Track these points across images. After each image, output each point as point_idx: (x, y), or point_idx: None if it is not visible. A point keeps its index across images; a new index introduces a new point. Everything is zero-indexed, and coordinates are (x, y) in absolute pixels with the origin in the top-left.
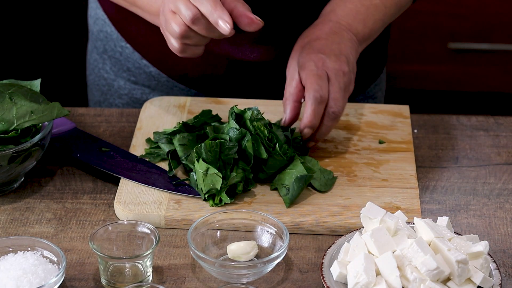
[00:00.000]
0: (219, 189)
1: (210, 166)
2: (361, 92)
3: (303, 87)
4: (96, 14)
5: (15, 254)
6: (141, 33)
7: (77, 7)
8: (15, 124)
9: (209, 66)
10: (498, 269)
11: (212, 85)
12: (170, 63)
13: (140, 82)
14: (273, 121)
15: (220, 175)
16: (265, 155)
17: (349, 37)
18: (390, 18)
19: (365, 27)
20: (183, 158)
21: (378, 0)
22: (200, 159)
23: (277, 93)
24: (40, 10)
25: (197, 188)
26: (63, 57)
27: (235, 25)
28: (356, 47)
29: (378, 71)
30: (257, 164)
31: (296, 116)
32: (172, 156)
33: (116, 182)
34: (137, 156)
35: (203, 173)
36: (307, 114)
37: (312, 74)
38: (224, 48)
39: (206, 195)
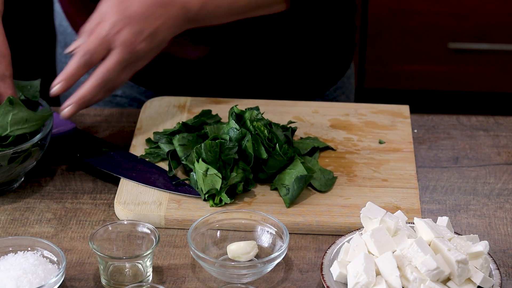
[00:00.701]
0: (219, 189)
1: (210, 167)
2: (318, 95)
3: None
4: (56, 7)
5: (15, 254)
6: None
7: None
8: (8, 131)
9: (154, 63)
10: (498, 269)
11: (158, 82)
12: None
13: None
14: (273, 121)
15: (220, 175)
16: (265, 155)
17: (176, 14)
18: (241, 9)
19: (203, 9)
20: (183, 158)
21: None
22: (200, 159)
23: (221, 90)
24: (40, 10)
25: (197, 188)
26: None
27: None
28: (180, 25)
29: (338, 75)
30: (257, 164)
31: None
32: (172, 156)
33: (116, 182)
34: (137, 156)
35: (203, 173)
36: (66, 67)
37: (98, 36)
38: (167, 47)
39: (206, 195)
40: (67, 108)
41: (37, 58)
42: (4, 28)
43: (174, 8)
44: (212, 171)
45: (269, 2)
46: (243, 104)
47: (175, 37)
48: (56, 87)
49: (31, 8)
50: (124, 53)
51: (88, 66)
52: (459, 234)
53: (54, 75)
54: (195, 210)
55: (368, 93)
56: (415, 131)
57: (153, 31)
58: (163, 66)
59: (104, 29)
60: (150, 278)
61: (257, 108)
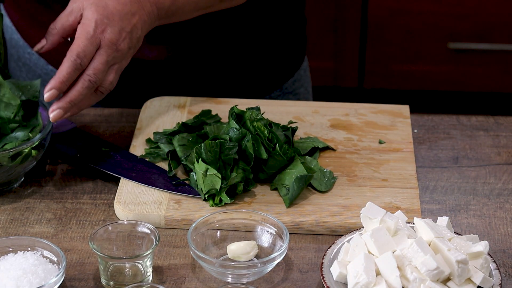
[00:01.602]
0: (218, 189)
1: (209, 167)
2: (277, 87)
3: (75, 30)
4: (5, 21)
5: (15, 254)
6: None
7: None
8: None
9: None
10: (498, 269)
11: (129, 87)
12: None
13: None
14: (273, 121)
15: (220, 175)
16: (265, 155)
17: (149, 11)
18: (207, 3)
19: (173, 5)
20: (183, 158)
21: None
22: (200, 160)
23: (180, 89)
24: None
25: (197, 188)
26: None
27: None
28: (152, 22)
29: (294, 67)
30: (257, 164)
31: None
32: (172, 156)
33: (116, 182)
34: (137, 156)
35: (203, 174)
36: (59, 73)
37: (86, 36)
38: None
39: (206, 195)
40: (54, 112)
41: None
42: None
43: (148, 4)
44: (212, 171)
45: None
46: (243, 104)
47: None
48: (49, 94)
49: None
50: (109, 53)
51: (81, 69)
52: (459, 234)
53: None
54: (195, 210)
55: (368, 93)
56: (415, 131)
57: (131, 29)
58: (129, 70)
59: (90, 29)
60: (150, 278)
61: (257, 108)
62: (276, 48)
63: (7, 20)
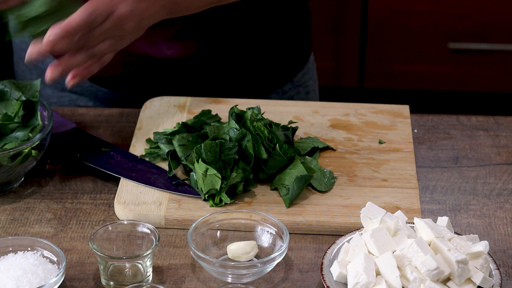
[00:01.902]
0: (218, 189)
1: (209, 167)
2: (288, 81)
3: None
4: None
5: (15, 254)
6: None
7: None
8: None
9: (129, 66)
10: (498, 269)
11: (134, 86)
12: None
13: (66, 89)
14: (273, 121)
15: (219, 175)
16: (265, 155)
17: (162, 4)
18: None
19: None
20: (182, 158)
21: None
22: (200, 160)
23: (201, 90)
24: None
25: (197, 188)
26: None
27: None
28: (161, 15)
29: (303, 60)
30: (257, 164)
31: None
32: (172, 156)
33: (116, 182)
34: (137, 156)
35: (203, 174)
36: (70, 20)
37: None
38: (140, 47)
39: (206, 195)
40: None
41: None
42: None
43: None
44: (212, 171)
45: None
46: (243, 104)
47: (149, 37)
48: (53, 34)
49: None
50: (113, 25)
51: (89, 27)
52: (459, 234)
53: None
54: (195, 210)
55: (368, 93)
56: (415, 131)
57: (140, 13)
58: (140, 68)
59: None
60: (150, 278)
61: (257, 108)
62: (286, 41)
63: None
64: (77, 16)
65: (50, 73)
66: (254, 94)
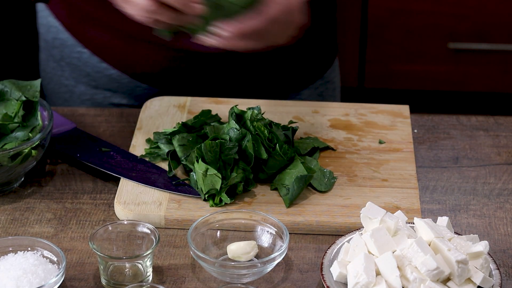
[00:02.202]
0: (219, 189)
1: (209, 167)
2: (319, 77)
3: None
4: (48, 22)
5: (15, 254)
6: (97, 36)
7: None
8: None
9: (170, 61)
10: (498, 269)
11: (175, 81)
12: (130, 63)
13: (101, 86)
14: (274, 121)
15: (220, 175)
16: (265, 156)
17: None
18: None
19: None
20: (182, 158)
21: None
22: (200, 160)
23: (243, 86)
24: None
25: (197, 188)
26: None
27: None
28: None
29: (332, 57)
30: (257, 164)
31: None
32: (172, 156)
33: (116, 182)
34: (137, 156)
35: (203, 174)
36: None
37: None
38: (183, 42)
39: (206, 195)
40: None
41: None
42: (35, 28)
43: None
44: (212, 171)
45: None
46: (243, 104)
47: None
48: (230, 32)
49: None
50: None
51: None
52: (459, 234)
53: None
54: (195, 210)
55: (368, 93)
56: (415, 131)
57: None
58: (182, 63)
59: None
60: (150, 278)
61: (258, 108)
62: (319, 37)
63: (52, 20)
64: (258, 22)
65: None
66: (288, 90)
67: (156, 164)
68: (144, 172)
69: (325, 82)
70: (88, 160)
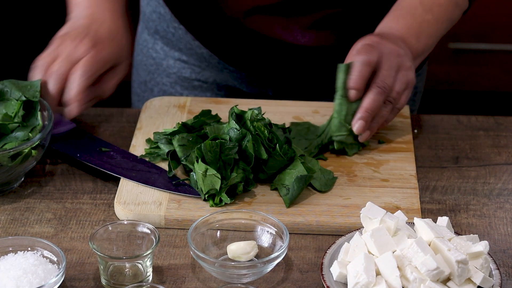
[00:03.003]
0: (218, 189)
1: (209, 167)
2: None
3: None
4: None
5: (15, 254)
6: (194, 15)
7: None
8: None
9: (261, 49)
10: (498, 269)
11: (263, 68)
12: (222, 46)
13: (191, 62)
14: (273, 121)
15: (219, 176)
16: (265, 156)
17: (404, 46)
18: (442, 32)
19: (418, 41)
20: (182, 158)
21: (430, 16)
22: (200, 160)
23: (321, 84)
24: (41, 10)
25: (197, 188)
26: None
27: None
28: (410, 54)
29: (423, 62)
30: (257, 164)
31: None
32: (172, 156)
33: (116, 182)
34: (137, 156)
35: (202, 174)
36: (367, 103)
37: (364, 43)
38: (275, 32)
39: (206, 196)
40: (357, 124)
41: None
42: (35, 28)
43: (399, 41)
44: (211, 171)
45: (459, 15)
46: (243, 104)
47: (287, 24)
48: (358, 124)
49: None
50: (391, 63)
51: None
52: (459, 234)
53: None
54: (195, 210)
55: None
56: (415, 131)
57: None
58: (271, 51)
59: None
60: (150, 278)
61: (259, 109)
62: None
63: None
64: (369, 98)
65: (359, 128)
66: None
67: (156, 164)
68: (144, 172)
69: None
70: (88, 160)
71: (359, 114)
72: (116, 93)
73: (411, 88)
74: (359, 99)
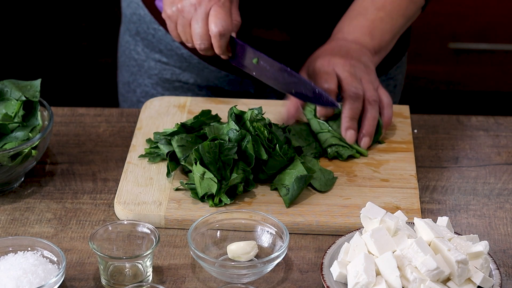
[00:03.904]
0: (214, 193)
1: (206, 170)
2: (383, 74)
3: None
4: None
5: (15, 254)
6: None
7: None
8: None
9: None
10: (498, 269)
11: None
12: None
13: (171, 63)
14: (273, 121)
15: (216, 179)
16: (265, 156)
17: (357, 48)
18: (399, 28)
19: (373, 39)
20: (182, 159)
21: (383, 13)
22: (198, 162)
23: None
24: (41, 10)
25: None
26: (64, 57)
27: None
28: (367, 53)
29: (400, 54)
30: (257, 164)
31: None
32: (172, 157)
33: (116, 182)
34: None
35: (200, 177)
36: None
37: (320, 71)
38: (254, 30)
39: (206, 196)
40: (363, 140)
41: (65, 60)
42: (36, 28)
43: (352, 44)
44: (209, 175)
45: (415, 11)
46: (243, 104)
47: (261, 22)
48: (350, 133)
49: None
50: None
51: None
52: (459, 234)
53: (84, 77)
54: (195, 210)
55: None
56: (415, 131)
57: (352, 54)
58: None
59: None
60: (150, 278)
61: (260, 109)
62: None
63: None
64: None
65: (351, 138)
66: None
67: (156, 164)
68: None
69: (387, 78)
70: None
71: (344, 125)
72: (106, 93)
73: (378, 82)
74: (335, 118)
